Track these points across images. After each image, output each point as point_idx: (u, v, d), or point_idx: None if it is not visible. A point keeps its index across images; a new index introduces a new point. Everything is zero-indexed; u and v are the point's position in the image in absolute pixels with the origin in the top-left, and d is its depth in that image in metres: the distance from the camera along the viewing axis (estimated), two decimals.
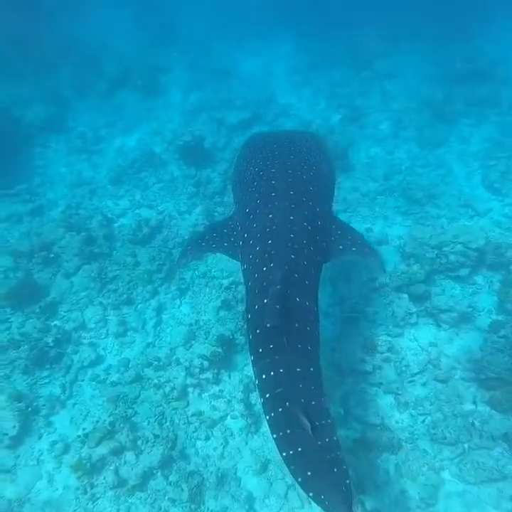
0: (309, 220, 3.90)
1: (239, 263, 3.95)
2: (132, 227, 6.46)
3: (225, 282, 6.17)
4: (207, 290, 6.19)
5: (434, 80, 10.15)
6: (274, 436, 3.01)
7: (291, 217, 3.81)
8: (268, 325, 3.15)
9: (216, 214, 6.96)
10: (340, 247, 4.09)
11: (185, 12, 13.62)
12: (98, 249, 6.24)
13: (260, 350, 3.23)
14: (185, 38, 12.62)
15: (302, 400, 3.02)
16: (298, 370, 3.12)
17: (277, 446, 3.00)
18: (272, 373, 3.12)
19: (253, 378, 3.41)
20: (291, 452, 2.92)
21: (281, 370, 3.11)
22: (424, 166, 7.70)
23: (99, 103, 10.08)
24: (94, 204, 7.16)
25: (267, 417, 3.08)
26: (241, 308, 5.90)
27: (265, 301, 3.28)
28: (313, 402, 3.04)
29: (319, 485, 2.85)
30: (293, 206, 3.91)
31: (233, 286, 6.06)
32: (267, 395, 3.10)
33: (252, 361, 3.30)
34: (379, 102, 9.46)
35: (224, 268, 6.35)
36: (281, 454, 2.97)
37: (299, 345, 3.21)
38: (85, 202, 7.22)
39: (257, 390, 3.26)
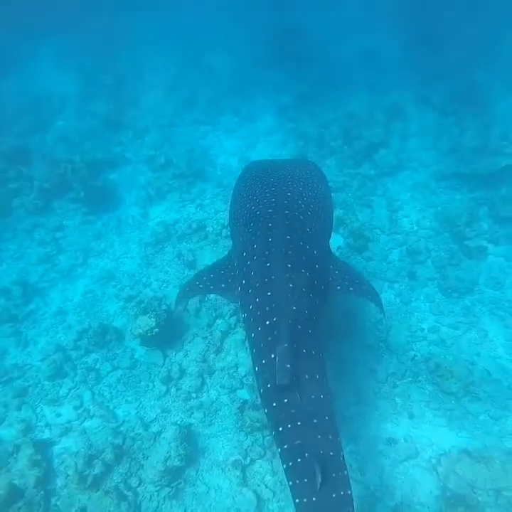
0: (307, 266, 4.53)
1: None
2: (78, 467, 5.68)
3: None
4: None
5: (451, 177, 9.86)
6: (290, 483, 3.64)
7: (289, 265, 4.43)
8: (280, 383, 3.78)
9: (196, 432, 6.28)
10: (338, 287, 4.82)
11: (141, 79, 13.35)
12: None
13: (274, 404, 3.86)
14: (141, 114, 12.20)
15: (321, 452, 3.64)
16: (315, 421, 3.75)
17: (292, 493, 3.62)
18: (290, 426, 3.75)
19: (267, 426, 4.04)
20: (305, 500, 3.54)
21: (299, 423, 3.74)
22: (453, 326, 7.30)
23: (30, 222, 9.36)
24: (26, 419, 6.36)
25: (285, 466, 3.71)
26: None
27: (273, 356, 3.93)
28: (331, 453, 3.65)
29: None
30: (290, 253, 4.53)
31: None
32: (285, 446, 3.73)
33: (266, 413, 3.97)
34: (386, 217, 9.07)
35: None
36: (294, 500, 3.59)
37: (313, 396, 3.85)
38: (11, 413, 6.44)
39: (273, 440, 3.93)
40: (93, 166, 10.13)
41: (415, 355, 7.03)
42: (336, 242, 8.81)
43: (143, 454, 6.07)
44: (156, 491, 5.84)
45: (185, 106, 12.65)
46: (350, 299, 7.72)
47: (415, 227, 8.98)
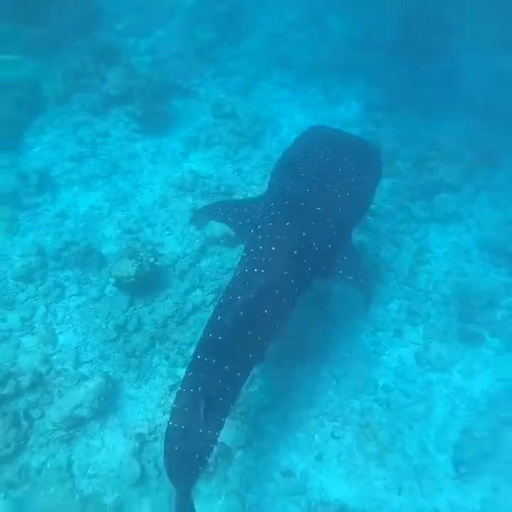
0: (320, 243, 4.90)
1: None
2: None
3: None
4: None
5: (497, 252, 9.27)
6: (174, 405, 4.28)
7: (303, 234, 4.80)
8: (225, 322, 4.25)
9: (122, 390, 6.58)
10: (340, 271, 5.13)
11: (253, 18, 13.11)
12: None
13: (210, 335, 4.42)
14: (235, 55, 12.23)
15: (213, 393, 4.21)
16: (226, 368, 4.29)
17: (170, 415, 4.29)
18: (206, 359, 4.30)
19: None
20: (175, 425, 4.20)
21: (214, 361, 4.27)
22: (406, 393, 7.35)
23: (81, 119, 9.80)
24: None
25: (180, 388, 4.33)
26: None
27: (239, 297, 4.35)
28: (220, 399, 4.26)
29: (177, 460, 4.19)
30: (313, 223, 4.89)
31: None
32: (190, 373, 4.34)
33: (201, 337, 4.51)
34: (407, 264, 8.98)
35: None
36: (168, 423, 4.26)
37: (242, 352, 4.37)
38: None
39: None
40: (164, 89, 10.42)
41: (355, 406, 7.22)
42: None
43: (59, 391, 6.39)
44: (53, 430, 6.15)
45: (280, 63, 12.50)
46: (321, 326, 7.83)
47: (430, 287, 8.81)
